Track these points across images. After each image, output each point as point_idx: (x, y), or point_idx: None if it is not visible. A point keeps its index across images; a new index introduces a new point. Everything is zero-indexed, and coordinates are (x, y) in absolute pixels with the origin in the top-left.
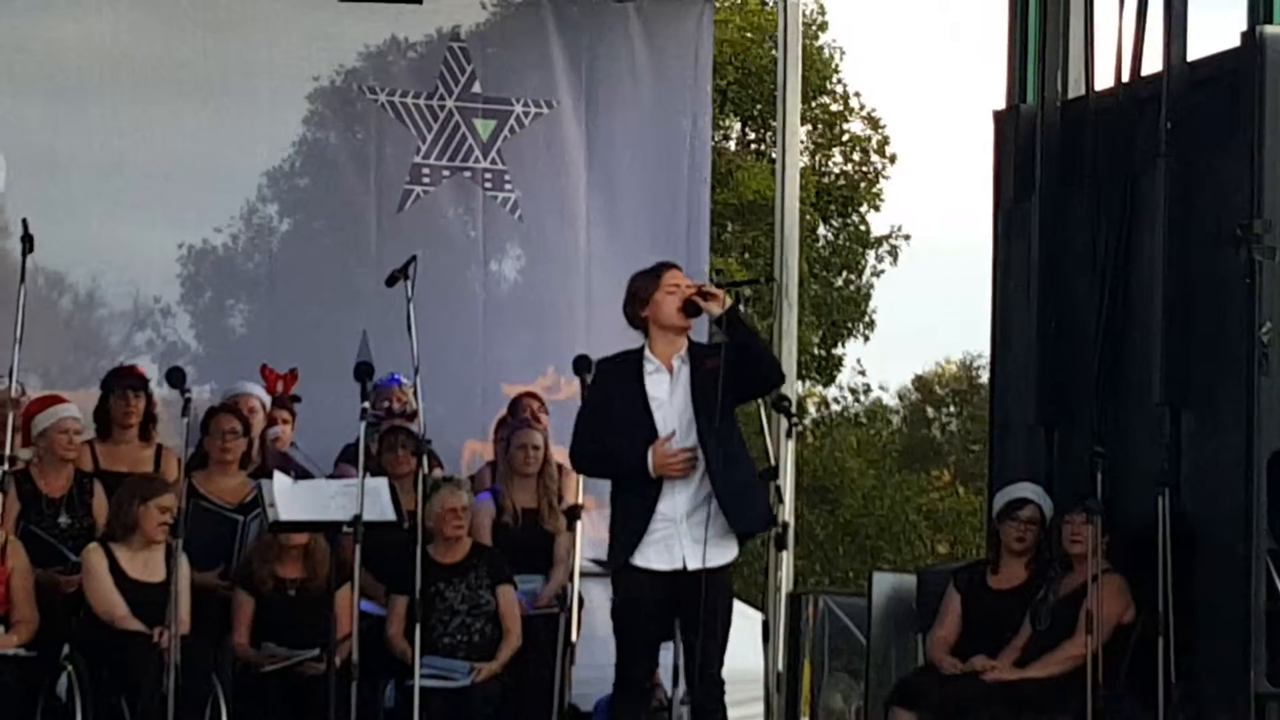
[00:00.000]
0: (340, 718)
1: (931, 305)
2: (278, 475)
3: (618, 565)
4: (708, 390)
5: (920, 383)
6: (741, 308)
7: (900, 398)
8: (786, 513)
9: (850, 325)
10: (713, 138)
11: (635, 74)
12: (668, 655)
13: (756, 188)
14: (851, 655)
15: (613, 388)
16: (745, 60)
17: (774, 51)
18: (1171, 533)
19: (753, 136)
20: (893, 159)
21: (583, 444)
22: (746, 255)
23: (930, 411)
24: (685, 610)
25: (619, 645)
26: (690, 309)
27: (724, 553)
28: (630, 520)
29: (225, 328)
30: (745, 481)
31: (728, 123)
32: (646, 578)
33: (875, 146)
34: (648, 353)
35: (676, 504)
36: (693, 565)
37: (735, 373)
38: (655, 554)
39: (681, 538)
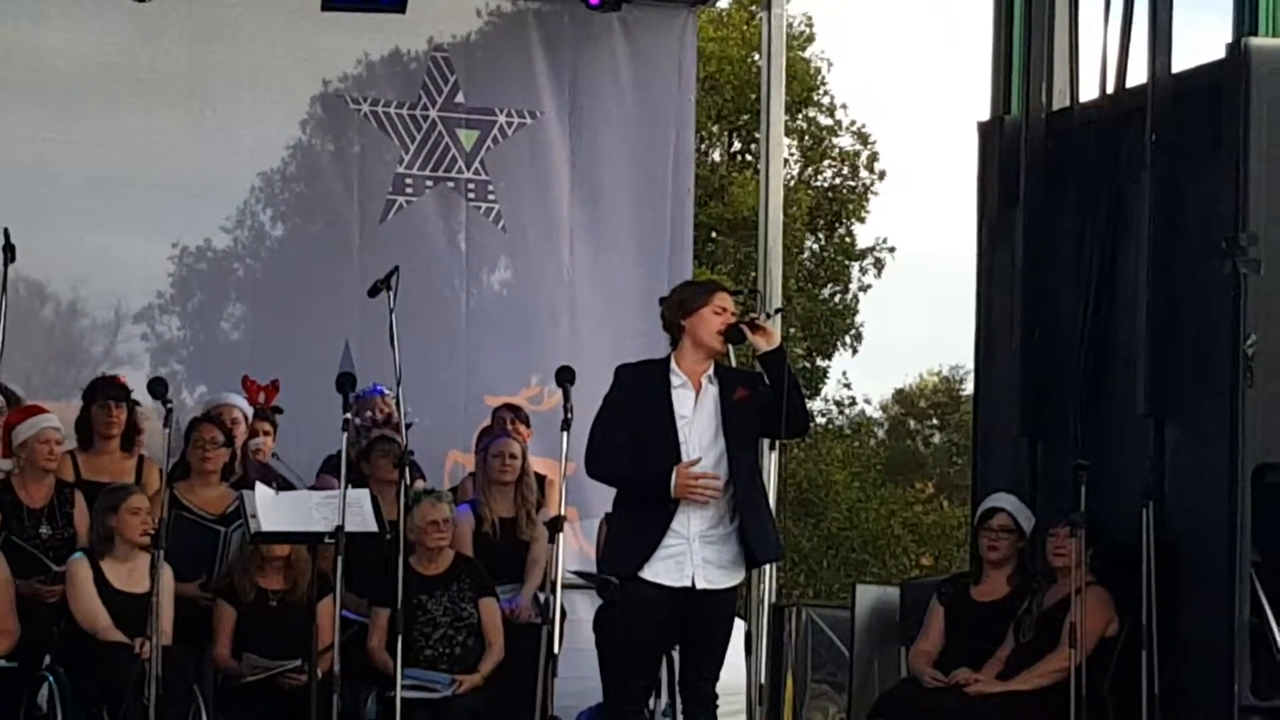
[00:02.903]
0: None
1: (917, 318)
2: (259, 486)
3: (625, 576)
4: (737, 420)
5: (901, 396)
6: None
7: (883, 409)
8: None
9: (836, 338)
10: (705, 151)
11: (619, 84)
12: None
13: (751, 203)
14: (834, 667)
15: (637, 397)
16: (736, 73)
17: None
18: (1155, 545)
19: (738, 147)
20: (882, 175)
21: (603, 452)
22: (738, 270)
23: (913, 424)
24: (688, 627)
25: (616, 658)
26: (733, 335)
27: (732, 575)
28: (642, 533)
29: (212, 337)
30: (764, 511)
31: (720, 137)
32: (654, 591)
33: (864, 162)
34: (674, 365)
35: (689, 522)
36: (701, 584)
37: (768, 413)
38: (665, 569)
39: (692, 556)
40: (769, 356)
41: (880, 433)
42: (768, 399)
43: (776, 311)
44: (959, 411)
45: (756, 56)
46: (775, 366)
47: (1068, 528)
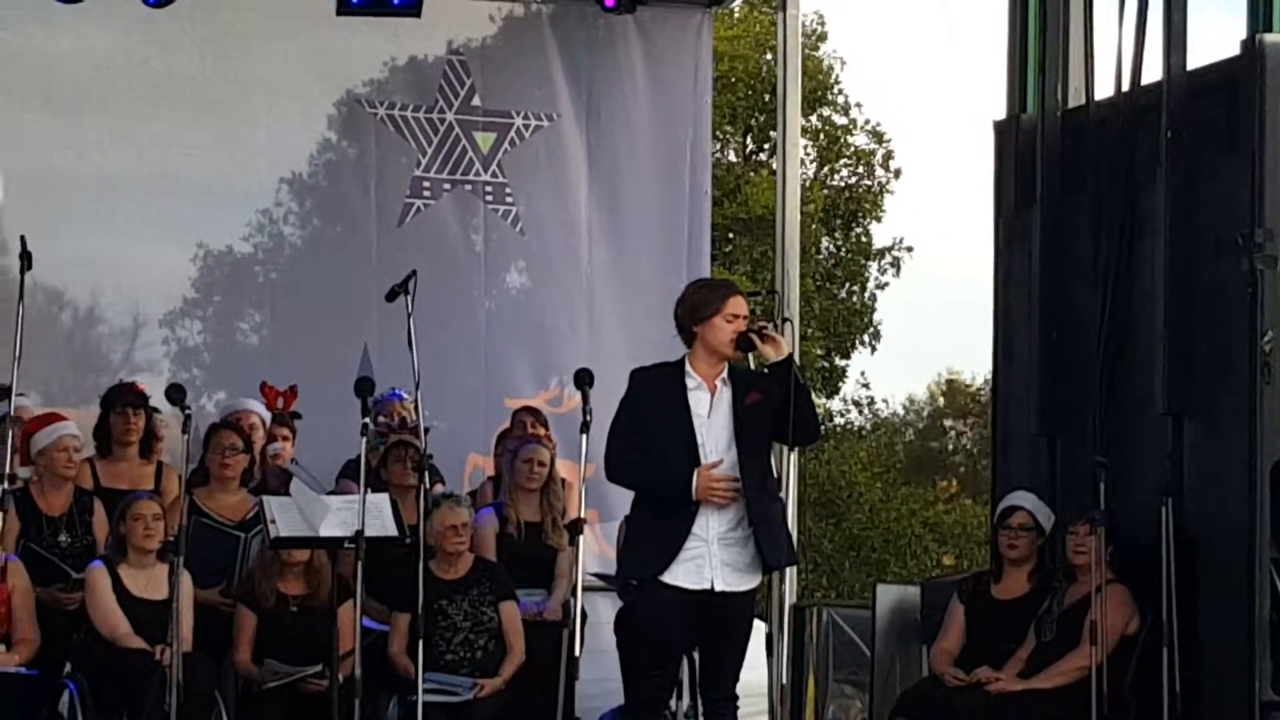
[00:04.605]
0: None
1: (933, 316)
2: (295, 486)
3: (645, 578)
4: (749, 424)
5: (949, 387)
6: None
7: (916, 412)
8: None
9: (854, 337)
10: (719, 151)
11: (635, 86)
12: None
13: (765, 202)
14: (856, 667)
15: (653, 400)
16: (748, 72)
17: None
18: (1175, 542)
19: (752, 147)
20: (897, 173)
21: (622, 456)
22: (754, 269)
23: (949, 422)
24: (708, 629)
25: (636, 660)
26: (743, 344)
27: (750, 578)
28: (663, 537)
29: (231, 342)
30: (776, 516)
31: (735, 136)
32: (674, 594)
33: (880, 160)
34: (689, 368)
35: (709, 525)
36: (720, 587)
37: (777, 419)
38: (684, 572)
39: (711, 559)
40: (777, 366)
41: (910, 432)
42: (779, 404)
43: (784, 321)
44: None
45: (769, 56)
46: (783, 376)
47: (1087, 525)
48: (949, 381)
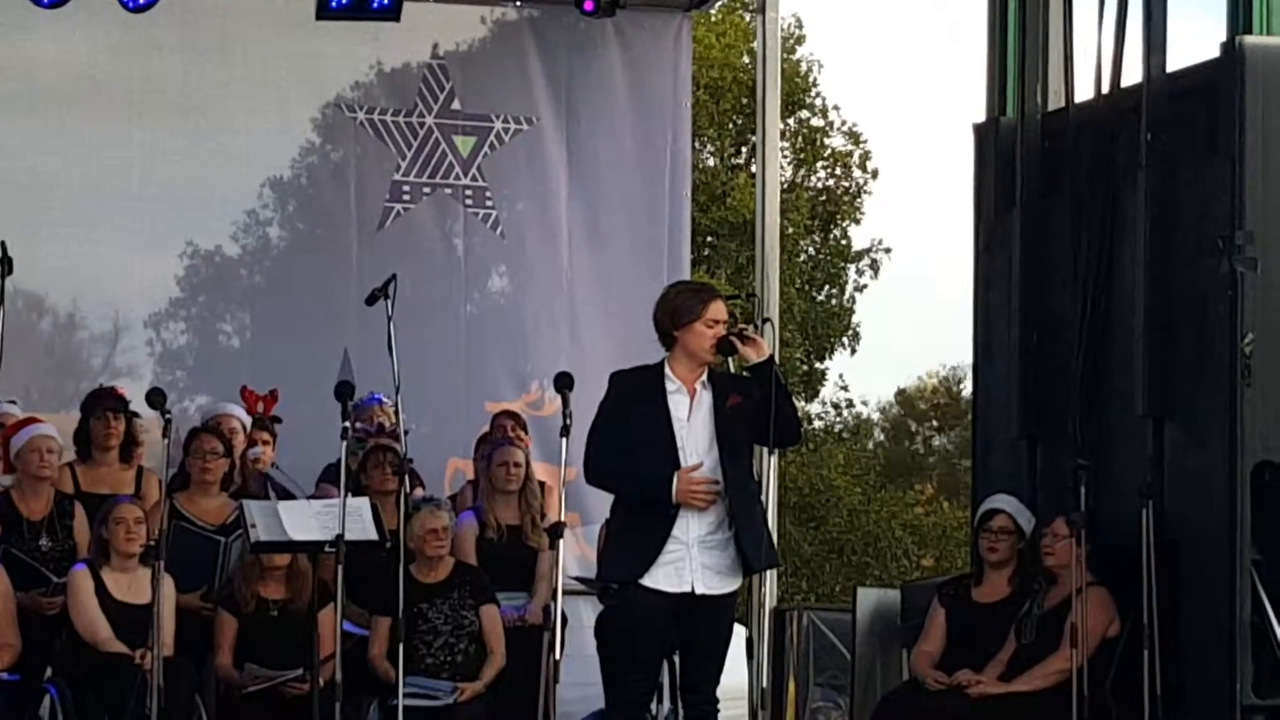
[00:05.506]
0: None
1: (913, 319)
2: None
3: (625, 581)
4: (730, 427)
5: (903, 397)
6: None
7: (881, 412)
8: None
9: (834, 339)
10: (707, 155)
11: (614, 89)
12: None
13: (753, 207)
14: (836, 670)
15: (633, 403)
16: (738, 79)
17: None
18: (1156, 545)
19: (729, 150)
20: (875, 174)
21: (602, 459)
22: (736, 273)
23: (913, 426)
24: (687, 632)
25: (616, 664)
26: (724, 348)
27: (731, 581)
28: (643, 540)
29: (211, 346)
30: (757, 519)
31: (719, 141)
32: (654, 598)
33: (857, 161)
34: (668, 371)
35: (689, 528)
36: (700, 590)
37: (758, 422)
38: (664, 575)
39: (691, 561)
40: (758, 368)
41: (880, 434)
42: (759, 406)
43: (764, 321)
44: (958, 413)
45: (745, 59)
46: (764, 378)
47: (1067, 528)
48: (900, 391)
